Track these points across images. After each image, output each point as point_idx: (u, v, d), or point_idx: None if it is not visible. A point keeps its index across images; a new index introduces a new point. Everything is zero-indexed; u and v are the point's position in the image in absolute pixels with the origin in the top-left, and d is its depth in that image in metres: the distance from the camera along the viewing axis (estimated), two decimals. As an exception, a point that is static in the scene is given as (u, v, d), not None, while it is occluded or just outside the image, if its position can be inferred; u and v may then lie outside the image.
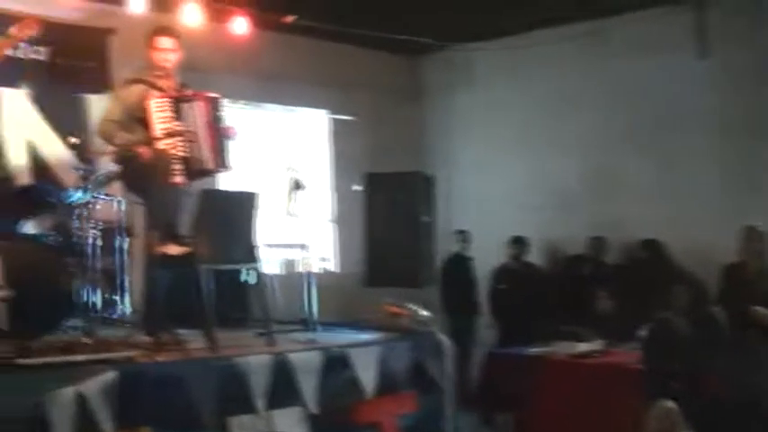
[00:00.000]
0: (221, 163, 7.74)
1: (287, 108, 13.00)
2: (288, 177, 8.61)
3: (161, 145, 7.36)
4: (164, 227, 7.21)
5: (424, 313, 8.48)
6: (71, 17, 10.59)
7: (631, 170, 12.44)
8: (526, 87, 13.38)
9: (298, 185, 8.50)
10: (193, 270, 7.06)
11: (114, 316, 8.90)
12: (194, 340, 7.08)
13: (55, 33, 10.25)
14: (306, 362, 6.97)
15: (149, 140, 7.36)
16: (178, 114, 7.54)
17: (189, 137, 7.51)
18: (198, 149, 7.55)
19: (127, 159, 7.64)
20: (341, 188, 13.04)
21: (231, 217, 7.45)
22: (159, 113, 7.49)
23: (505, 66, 13.44)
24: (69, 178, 9.62)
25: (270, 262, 11.44)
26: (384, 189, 10.23)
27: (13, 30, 7.18)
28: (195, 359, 6.61)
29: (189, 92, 7.87)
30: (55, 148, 10.23)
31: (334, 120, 13.33)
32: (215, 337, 6.96)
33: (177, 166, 7.47)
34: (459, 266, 12.93)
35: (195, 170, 7.60)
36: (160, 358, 6.46)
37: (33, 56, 10.34)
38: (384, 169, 10.90)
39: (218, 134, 7.71)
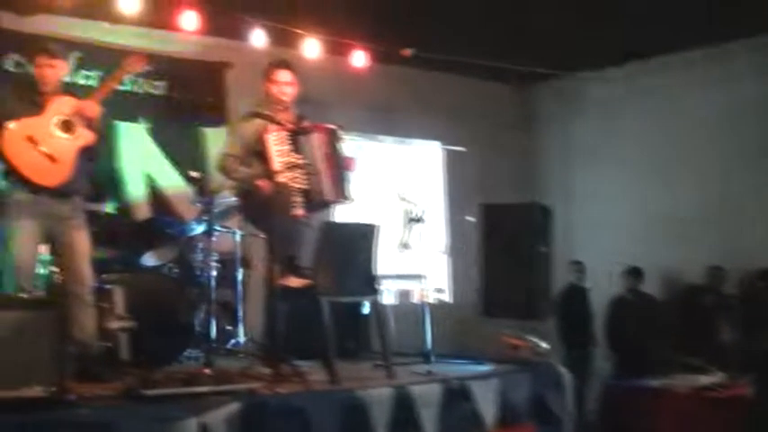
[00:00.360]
0: (341, 194, 7.70)
1: (400, 139, 12.96)
2: (403, 209, 8.59)
3: (280, 178, 7.38)
4: (284, 259, 7.18)
5: (543, 345, 8.39)
6: (188, 51, 10.72)
7: (750, 197, 12.22)
8: (642, 115, 13.23)
9: (413, 217, 8.46)
10: (313, 302, 7.04)
11: (231, 347, 8.97)
12: (314, 372, 7.07)
13: (172, 68, 10.47)
14: (426, 394, 6.91)
15: (268, 174, 7.38)
16: (296, 147, 7.54)
17: (308, 169, 7.51)
18: (317, 181, 7.54)
19: (247, 193, 7.70)
20: (454, 219, 12.99)
21: (351, 249, 7.36)
22: (277, 147, 7.51)
23: (620, 93, 13.31)
24: (187, 211, 9.75)
25: (385, 293, 11.48)
26: (499, 220, 10.15)
27: (122, 65, 7.33)
28: (317, 391, 6.57)
29: (306, 124, 7.91)
30: (173, 181, 10.37)
31: (447, 151, 13.29)
32: (335, 369, 6.93)
33: (297, 199, 7.48)
34: (574, 297, 12.82)
35: (315, 202, 7.58)
36: (281, 390, 6.43)
37: (151, 90, 10.51)
38: (498, 200, 10.82)
39: (338, 165, 7.68)
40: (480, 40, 11.33)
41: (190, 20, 9.77)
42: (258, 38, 10.21)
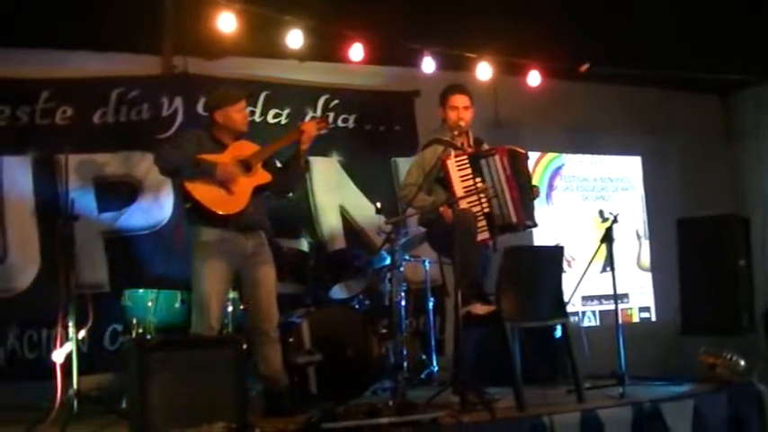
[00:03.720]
0: (526, 217, 7.62)
1: (596, 156, 12.68)
2: (602, 227, 8.40)
3: (463, 204, 7.34)
4: (470, 286, 7.11)
5: (742, 363, 8.04)
6: (375, 83, 10.78)
7: None
8: None
9: (611, 236, 8.25)
10: (500, 328, 6.92)
11: (425, 376, 8.95)
12: (503, 398, 7.00)
13: (360, 100, 10.53)
14: (616, 418, 6.76)
15: (450, 200, 7.36)
16: (477, 171, 7.50)
17: (490, 193, 7.45)
18: (500, 205, 7.49)
19: (431, 221, 7.70)
20: (655, 234, 12.65)
21: (538, 272, 7.20)
22: (458, 172, 7.49)
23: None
24: (379, 241, 9.80)
25: (588, 314, 11.32)
26: (698, 233, 9.90)
27: (302, 125, 7.49)
28: (501, 419, 6.45)
29: (485, 147, 7.86)
30: (365, 213, 10.40)
31: (646, 165, 12.96)
32: (523, 395, 6.80)
33: (481, 224, 7.43)
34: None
35: (499, 226, 7.53)
36: (465, 419, 6.34)
37: (342, 124, 10.59)
38: (697, 213, 10.54)
39: (521, 187, 7.60)
40: (674, 50, 10.98)
41: (357, 52, 9.85)
42: (428, 65, 10.15)
